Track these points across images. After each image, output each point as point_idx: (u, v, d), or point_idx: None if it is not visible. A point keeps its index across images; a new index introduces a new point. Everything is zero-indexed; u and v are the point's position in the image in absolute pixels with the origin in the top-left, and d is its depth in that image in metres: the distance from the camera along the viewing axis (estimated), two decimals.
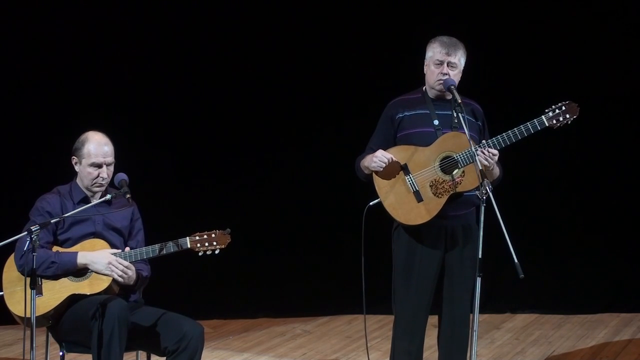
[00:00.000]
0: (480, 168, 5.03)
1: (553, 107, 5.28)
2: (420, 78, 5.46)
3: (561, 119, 5.27)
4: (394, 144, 5.38)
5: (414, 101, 5.41)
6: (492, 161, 5.21)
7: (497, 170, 5.35)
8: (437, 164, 5.29)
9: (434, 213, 5.27)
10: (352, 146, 5.72)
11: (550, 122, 5.27)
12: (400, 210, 5.30)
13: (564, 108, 5.28)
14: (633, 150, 8.32)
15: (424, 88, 5.45)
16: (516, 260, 4.75)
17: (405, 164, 5.30)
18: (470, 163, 5.21)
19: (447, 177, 5.27)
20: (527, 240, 7.88)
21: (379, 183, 5.33)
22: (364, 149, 5.46)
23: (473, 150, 5.11)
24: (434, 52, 5.34)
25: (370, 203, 5.34)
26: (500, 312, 8.46)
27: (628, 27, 8.24)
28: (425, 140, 5.32)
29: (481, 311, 5.03)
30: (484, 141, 5.26)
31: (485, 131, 5.44)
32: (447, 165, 5.27)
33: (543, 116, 5.27)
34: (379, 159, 5.27)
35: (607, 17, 8.24)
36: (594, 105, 7.96)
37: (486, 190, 4.89)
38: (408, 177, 5.30)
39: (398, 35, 8.18)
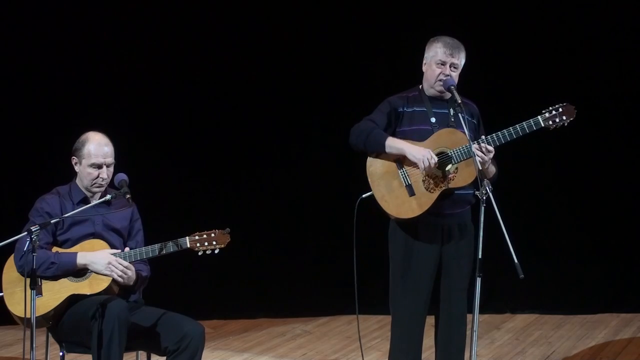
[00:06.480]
0: (480, 168, 5.04)
1: (550, 108, 5.31)
2: (418, 76, 5.46)
3: (557, 120, 5.29)
4: (392, 135, 5.38)
5: (412, 99, 5.42)
6: (487, 158, 5.22)
7: (492, 169, 5.36)
8: None
9: (425, 207, 5.27)
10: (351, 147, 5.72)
11: (546, 123, 5.28)
12: (391, 203, 5.30)
13: (560, 110, 5.30)
14: (632, 151, 8.31)
15: (420, 86, 5.46)
16: (516, 260, 4.76)
17: (399, 158, 5.31)
18: (463, 160, 5.23)
19: (440, 173, 5.27)
20: (527, 240, 7.89)
21: (372, 176, 5.33)
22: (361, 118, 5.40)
23: (473, 151, 5.12)
24: (437, 52, 5.34)
25: (363, 195, 5.35)
26: (500, 312, 8.46)
27: (627, 29, 8.24)
28: (422, 138, 5.32)
29: (481, 311, 5.02)
30: (482, 137, 5.27)
31: (480, 129, 5.46)
32: (441, 160, 5.28)
33: (539, 117, 5.29)
34: (426, 159, 5.18)
35: (606, 18, 8.23)
36: (595, 105, 7.98)
37: (486, 190, 4.90)
38: (401, 170, 5.31)
39: (397, 33, 8.18)
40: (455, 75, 5.34)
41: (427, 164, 5.20)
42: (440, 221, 5.34)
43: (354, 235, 5.42)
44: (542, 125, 5.28)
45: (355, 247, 5.45)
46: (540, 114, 5.29)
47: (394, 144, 5.28)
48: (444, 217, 5.33)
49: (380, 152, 5.30)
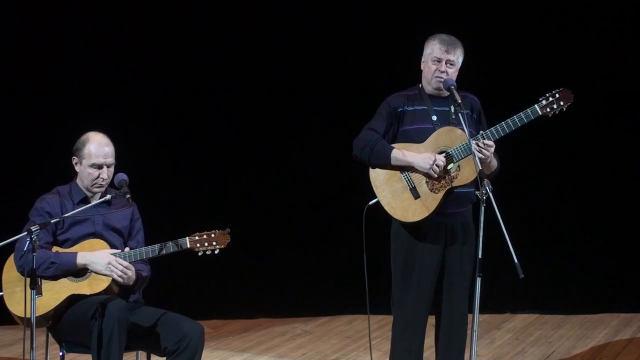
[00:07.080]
0: (480, 167, 5.03)
1: (547, 94, 5.29)
2: (418, 75, 5.47)
3: (555, 106, 5.27)
4: (393, 137, 5.37)
5: (412, 97, 5.43)
6: (487, 153, 5.21)
7: (494, 163, 5.36)
8: None
9: (432, 209, 5.27)
10: (351, 146, 5.71)
11: (544, 111, 5.27)
12: (398, 208, 5.30)
13: (557, 95, 5.28)
14: (632, 150, 8.31)
15: (420, 85, 5.46)
16: (516, 260, 4.75)
17: None
18: (464, 157, 5.23)
19: (443, 172, 5.27)
20: (527, 240, 7.89)
21: (376, 182, 5.34)
22: (361, 128, 5.41)
23: (473, 148, 5.11)
24: (433, 49, 5.36)
25: (370, 203, 5.35)
26: (500, 312, 8.45)
27: (624, 20, 8.22)
28: (424, 136, 5.33)
29: (481, 311, 5.02)
30: (481, 132, 5.26)
31: (481, 122, 5.45)
32: None
33: (536, 105, 5.28)
34: (435, 165, 5.20)
35: (602, 9, 8.22)
36: (596, 103, 7.97)
37: (486, 190, 4.89)
38: (404, 174, 5.31)
39: (396, 32, 8.17)
40: (451, 72, 5.34)
41: (436, 170, 5.21)
42: (444, 220, 5.34)
43: (364, 242, 5.41)
44: (540, 113, 5.26)
45: (365, 254, 5.45)
46: (537, 101, 5.28)
47: (399, 155, 5.28)
48: (448, 216, 5.34)
49: (386, 165, 5.30)
